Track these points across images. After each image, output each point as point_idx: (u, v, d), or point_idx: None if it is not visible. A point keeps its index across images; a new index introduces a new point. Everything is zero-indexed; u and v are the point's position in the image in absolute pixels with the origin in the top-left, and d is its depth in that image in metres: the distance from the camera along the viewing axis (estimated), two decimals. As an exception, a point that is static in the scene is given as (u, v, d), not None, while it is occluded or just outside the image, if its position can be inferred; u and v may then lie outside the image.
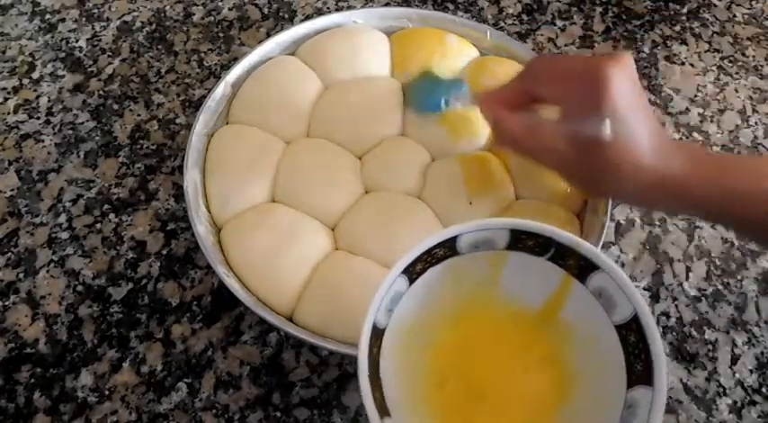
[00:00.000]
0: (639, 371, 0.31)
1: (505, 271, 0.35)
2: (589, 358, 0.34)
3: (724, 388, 0.46)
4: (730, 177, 0.38)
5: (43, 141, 0.56)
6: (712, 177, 0.38)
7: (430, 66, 0.52)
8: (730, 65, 0.64)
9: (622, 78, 0.36)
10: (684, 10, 0.68)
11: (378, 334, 0.31)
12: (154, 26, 0.64)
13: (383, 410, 0.29)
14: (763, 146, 0.58)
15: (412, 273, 0.33)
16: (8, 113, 0.58)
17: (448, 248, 0.33)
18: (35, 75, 0.60)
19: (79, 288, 0.48)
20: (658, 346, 0.30)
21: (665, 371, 0.30)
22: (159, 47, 0.63)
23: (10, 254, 0.50)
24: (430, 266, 0.34)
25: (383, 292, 0.31)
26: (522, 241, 0.34)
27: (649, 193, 0.38)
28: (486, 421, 0.34)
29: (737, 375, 0.46)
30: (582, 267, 0.34)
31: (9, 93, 0.59)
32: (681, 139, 0.58)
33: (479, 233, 0.34)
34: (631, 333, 0.32)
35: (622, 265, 0.51)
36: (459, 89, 0.48)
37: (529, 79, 0.42)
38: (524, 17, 0.67)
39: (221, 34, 0.64)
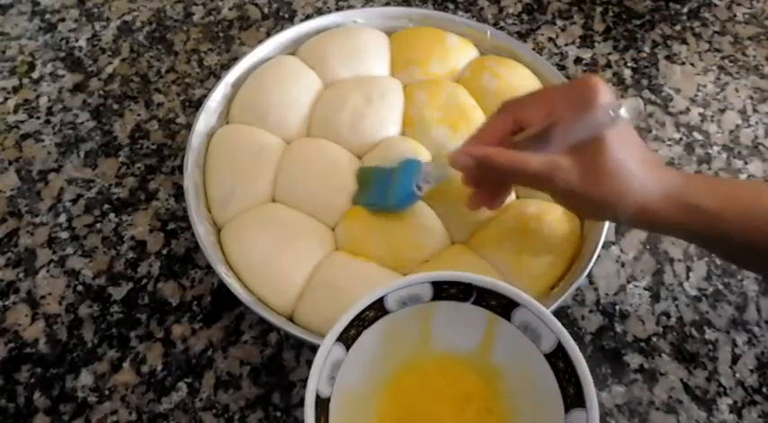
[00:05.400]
0: (573, 394, 0.33)
1: (435, 322, 0.37)
2: (527, 392, 0.36)
3: (724, 388, 0.46)
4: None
5: (43, 141, 0.56)
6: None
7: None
8: (731, 64, 0.63)
9: (607, 88, 0.38)
10: (685, 9, 0.68)
11: (322, 404, 0.32)
12: (154, 26, 0.64)
13: None
14: (764, 145, 0.58)
15: (347, 339, 0.34)
16: (8, 113, 0.58)
17: (377, 309, 0.35)
18: (35, 74, 0.60)
19: (79, 288, 0.48)
20: (584, 369, 0.33)
21: (594, 391, 0.32)
22: (159, 47, 0.63)
23: (10, 254, 0.50)
24: (363, 329, 0.35)
25: (321, 360, 0.32)
26: (445, 291, 0.36)
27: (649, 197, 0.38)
28: None
29: (738, 375, 0.46)
30: (504, 306, 0.35)
31: (9, 92, 0.59)
32: (681, 138, 0.58)
33: (404, 290, 0.35)
34: (559, 360, 0.34)
35: (622, 265, 0.51)
36: (414, 169, 0.44)
37: (513, 106, 0.41)
38: (525, 17, 0.67)
39: (221, 34, 0.64)
